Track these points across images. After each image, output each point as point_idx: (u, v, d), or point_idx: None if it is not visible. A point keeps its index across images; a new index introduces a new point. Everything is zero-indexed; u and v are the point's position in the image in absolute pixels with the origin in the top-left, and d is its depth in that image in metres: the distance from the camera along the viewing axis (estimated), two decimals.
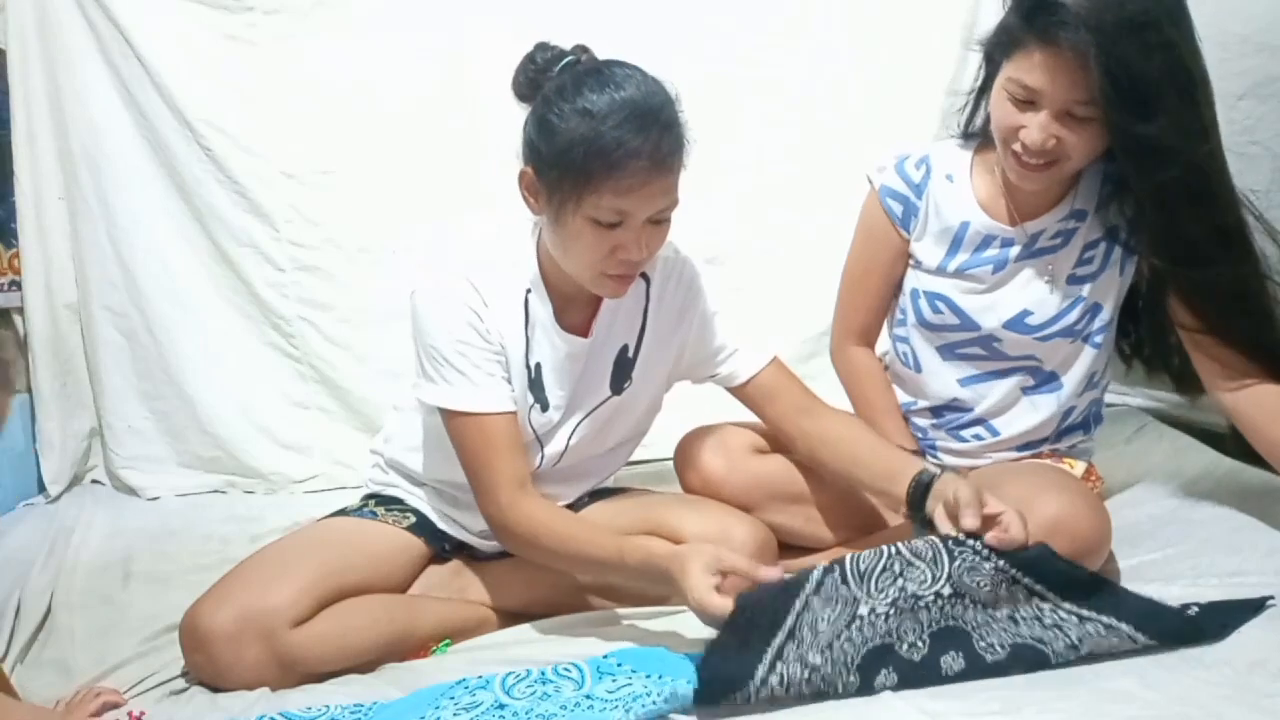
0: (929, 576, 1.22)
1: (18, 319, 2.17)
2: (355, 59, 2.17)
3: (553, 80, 1.32)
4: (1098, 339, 1.57)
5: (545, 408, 1.46)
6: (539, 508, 1.39)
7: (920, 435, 1.69)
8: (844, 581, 1.21)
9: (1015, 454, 1.63)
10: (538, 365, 1.45)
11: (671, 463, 1.65)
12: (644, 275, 1.48)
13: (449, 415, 1.41)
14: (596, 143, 1.27)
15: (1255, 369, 1.47)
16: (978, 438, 1.63)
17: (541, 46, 1.35)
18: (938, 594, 1.22)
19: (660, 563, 1.26)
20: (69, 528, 1.91)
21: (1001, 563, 1.23)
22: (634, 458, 1.68)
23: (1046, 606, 1.24)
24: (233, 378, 2.19)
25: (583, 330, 1.46)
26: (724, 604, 1.17)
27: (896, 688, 1.18)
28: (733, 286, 2.18)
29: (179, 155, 2.14)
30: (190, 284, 2.18)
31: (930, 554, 1.23)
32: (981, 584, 1.23)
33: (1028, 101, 1.39)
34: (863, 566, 1.22)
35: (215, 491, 2.17)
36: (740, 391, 1.55)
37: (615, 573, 1.37)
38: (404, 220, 2.21)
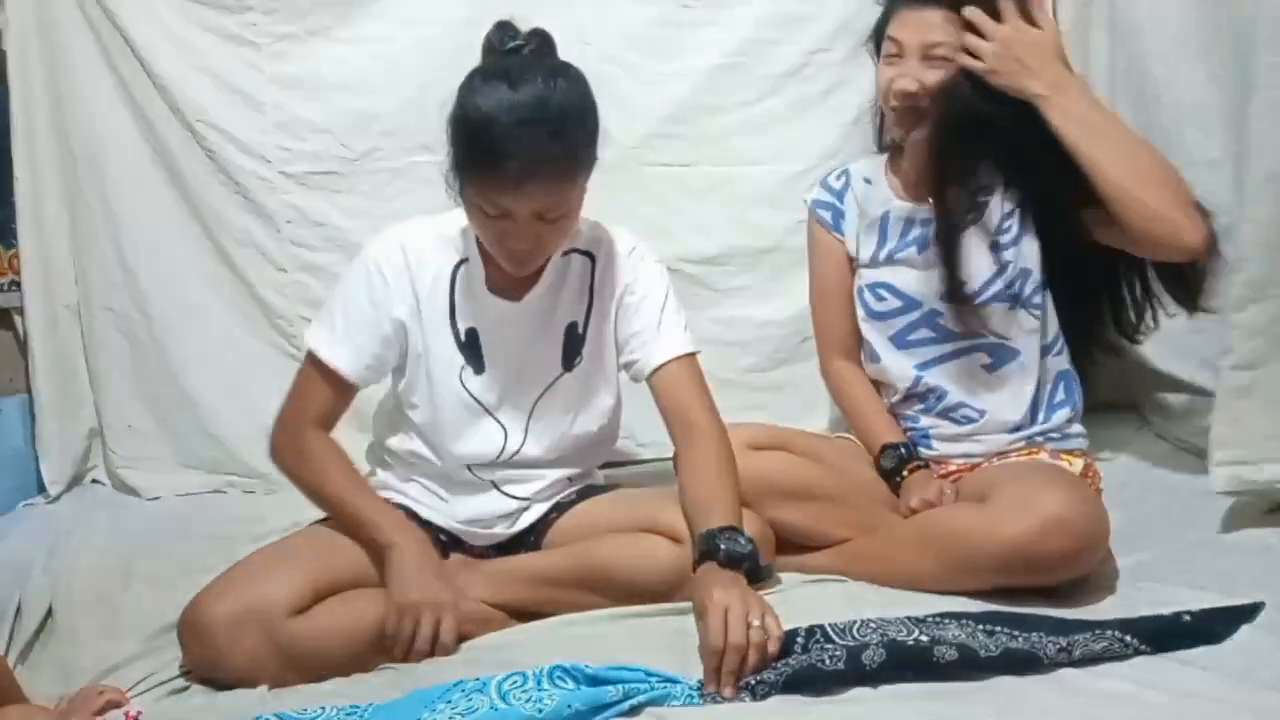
0: (905, 629, 1.27)
1: (18, 319, 2.18)
2: (355, 59, 2.17)
3: (482, 66, 1.37)
4: (1035, 301, 1.64)
5: (479, 370, 1.51)
6: (323, 447, 1.50)
7: (913, 425, 1.72)
8: (827, 640, 1.26)
9: (1009, 437, 1.65)
10: (471, 330, 1.51)
11: (671, 463, 1.65)
12: (589, 255, 1.54)
13: (306, 351, 1.51)
14: (477, 140, 1.32)
15: None
16: (968, 419, 1.67)
17: (500, 26, 1.39)
18: (916, 639, 1.25)
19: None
20: (69, 528, 1.91)
21: (979, 625, 1.28)
22: (633, 457, 1.67)
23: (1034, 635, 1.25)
24: (233, 378, 2.19)
25: (516, 296, 1.50)
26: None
27: (884, 665, 1.19)
28: (729, 287, 2.19)
29: (179, 155, 2.14)
30: (190, 284, 2.18)
31: (899, 619, 1.29)
32: (957, 635, 1.26)
33: (896, 55, 1.59)
34: (840, 624, 1.28)
35: (215, 491, 2.17)
36: (649, 386, 1.53)
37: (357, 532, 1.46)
38: (404, 220, 2.20)
